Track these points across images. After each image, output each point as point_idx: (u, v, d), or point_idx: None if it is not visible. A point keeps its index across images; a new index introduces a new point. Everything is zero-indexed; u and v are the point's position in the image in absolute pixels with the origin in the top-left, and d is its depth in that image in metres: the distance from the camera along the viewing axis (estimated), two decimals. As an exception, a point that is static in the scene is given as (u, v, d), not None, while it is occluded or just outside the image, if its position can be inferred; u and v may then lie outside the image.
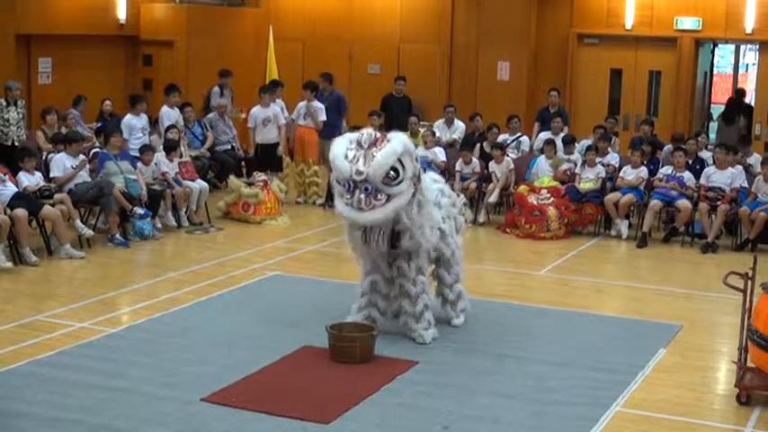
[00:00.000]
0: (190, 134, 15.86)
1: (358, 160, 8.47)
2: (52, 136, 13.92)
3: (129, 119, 14.72)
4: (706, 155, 14.86)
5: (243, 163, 16.52)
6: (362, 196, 8.49)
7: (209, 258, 12.06)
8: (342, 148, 8.62)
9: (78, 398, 7.39)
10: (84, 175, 12.75)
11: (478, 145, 15.69)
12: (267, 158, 15.63)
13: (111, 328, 9.19)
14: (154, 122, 15.56)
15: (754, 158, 14.44)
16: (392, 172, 8.47)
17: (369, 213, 8.55)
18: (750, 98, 19.66)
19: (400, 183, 8.51)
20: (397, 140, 8.59)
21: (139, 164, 13.48)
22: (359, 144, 8.56)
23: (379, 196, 8.51)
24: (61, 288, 10.84)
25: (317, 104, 16.05)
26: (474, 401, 7.59)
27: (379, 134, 8.70)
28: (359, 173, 8.42)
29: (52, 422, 6.96)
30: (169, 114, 15.51)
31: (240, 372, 8.02)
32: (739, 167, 13.78)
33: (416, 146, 15.49)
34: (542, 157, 14.95)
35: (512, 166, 14.84)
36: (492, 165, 14.91)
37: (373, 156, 8.46)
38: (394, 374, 8.08)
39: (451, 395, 7.70)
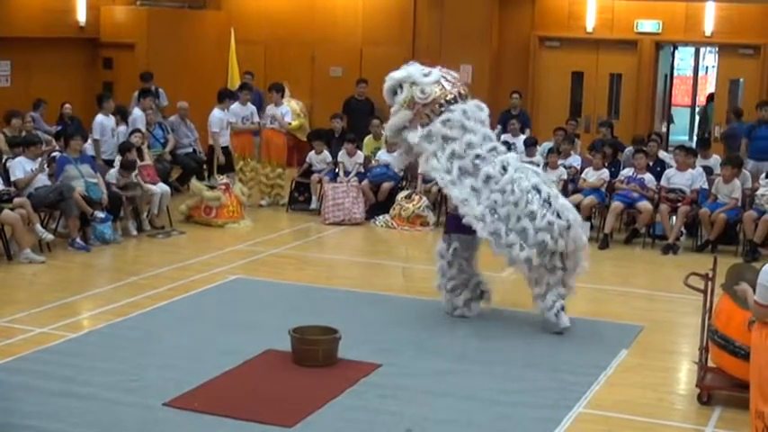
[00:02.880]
0: (151, 137, 15.76)
1: None
2: (10, 139, 13.78)
3: (101, 119, 14.58)
4: (667, 156, 14.97)
5: (204, 166, 16.44)
6: None
7: (171, 262, 11.98)
8: None
9: (38, 404, 7.31)
10: (43, 179, 12.63)
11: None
12: (228, 160, 15.66)
13: (71, 333, 9.10)
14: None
15: (714, 160, 14.56)
16: (394, 95, 9.81)
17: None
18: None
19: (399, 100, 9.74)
20: (406, 68, 9.90)
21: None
22: None
23: None
24: (21, 293, 10.72)
25: (284, 108, 16.03)
26: (437, 404, 7.60)
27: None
28: None
29: (11, 429, 6.87)
30: (142, 118, 15.42)
31: (202, 376, 7.97)
32: (699, 169, 13.89)
33: (378, 149, 15.67)
34: None
35: None
36: None
37: None
38: (357, 377, 8.07)
39: (415, 398, 7.70)
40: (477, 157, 9.51)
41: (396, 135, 9.98)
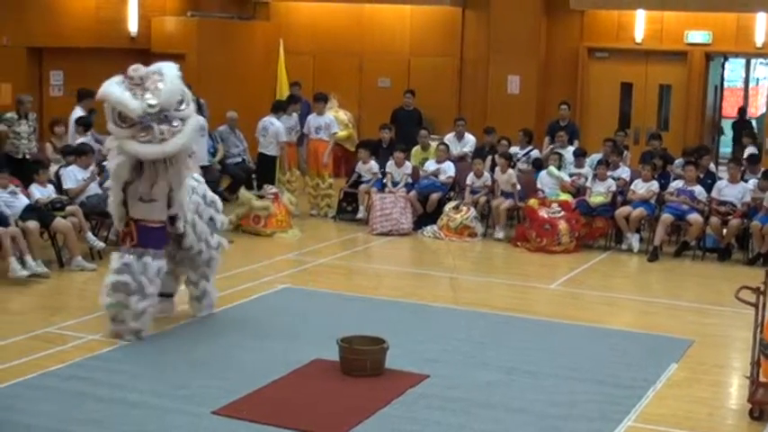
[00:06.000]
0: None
1: (144, 95, 8.82)
2: (62, 148, 13.92)
3: None
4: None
5: (254, 175, 16.52)
6: (164, 127, 8.79)
7: (220, 271, 11.96)
8: (119, 90, 8.92)
9: (88, 410, 7.39)
10: (95, 188, 12.78)
11: (489, 158, 15.68)
12: (269, 170, 15.66)
13: (121, 340, 9.18)
14: None
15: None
16: (179, 96, 9.06)
17: (174, 140, 8.85)
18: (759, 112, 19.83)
19: (187, 106, 9.08)
20: (170, 67, 9.20)
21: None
22: (132, 81, 8.97)
23: (175, 123, 8.88)
24: (73, 300, 10.85)
25: (327, 118, 16.07)
26: (485, 415, 7.57)
27: (146, 67, 9.17)
28: (152, 106, 8.77)
29: (63, 435, 6.97)
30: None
31: (251, 385, 8.01)
32: (753, 181, 13.79)
33: (427, 159, 15.67)
34: (544, 171, 14.92)
35: (514, 179, 14.77)
36: (497, 174, 14.87)
37: (157, 88, 8.88)
38: (405, 388, 8.06)
39: (462, 409, 7.68)
40: None
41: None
